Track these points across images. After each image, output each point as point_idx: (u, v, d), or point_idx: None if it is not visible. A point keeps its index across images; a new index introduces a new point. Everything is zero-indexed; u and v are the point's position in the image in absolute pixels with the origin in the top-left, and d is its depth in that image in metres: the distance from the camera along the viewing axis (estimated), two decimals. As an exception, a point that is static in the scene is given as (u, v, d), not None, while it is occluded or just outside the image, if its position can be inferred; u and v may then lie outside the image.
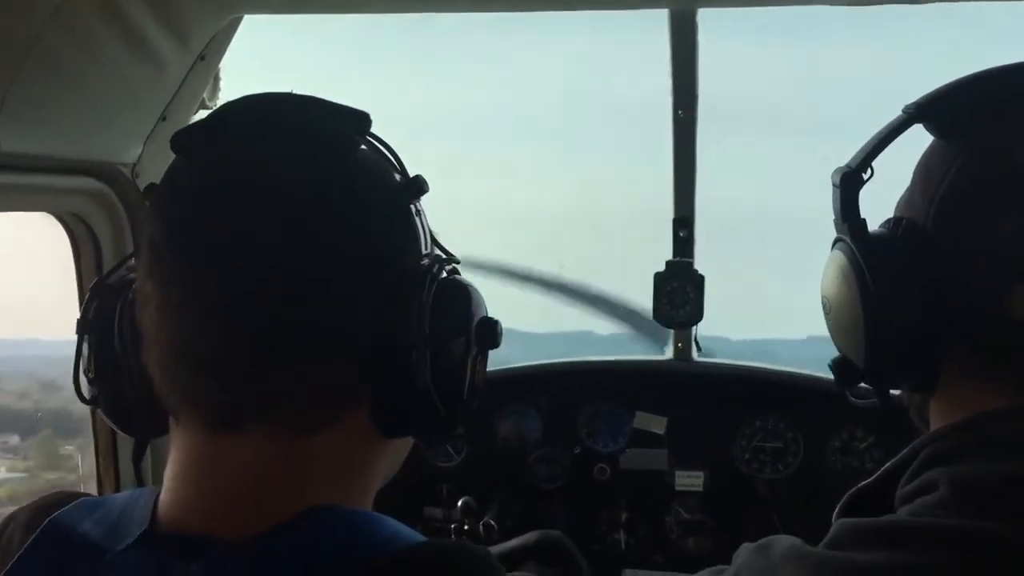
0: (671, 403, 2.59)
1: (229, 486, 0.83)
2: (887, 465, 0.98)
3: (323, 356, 0.83)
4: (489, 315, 0.95)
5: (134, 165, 1.86)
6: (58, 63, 1.45)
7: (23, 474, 2.93)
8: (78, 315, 0.98)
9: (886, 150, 1.00)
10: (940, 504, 0.86)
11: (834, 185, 1.00)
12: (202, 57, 1.79)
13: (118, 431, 1.05)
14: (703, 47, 2.10)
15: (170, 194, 0.86)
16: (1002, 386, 0.92)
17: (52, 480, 2.88)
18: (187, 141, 0.88)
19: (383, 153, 0.91)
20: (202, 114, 1.89)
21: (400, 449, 0.96)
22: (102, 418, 1.01)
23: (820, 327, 1.08)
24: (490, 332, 0.94)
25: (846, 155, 1.03)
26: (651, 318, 2.52)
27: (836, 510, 0.99)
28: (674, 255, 2.50)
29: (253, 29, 1.87)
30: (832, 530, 0.91)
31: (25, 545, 0.86)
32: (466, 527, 2.35)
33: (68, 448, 2.84)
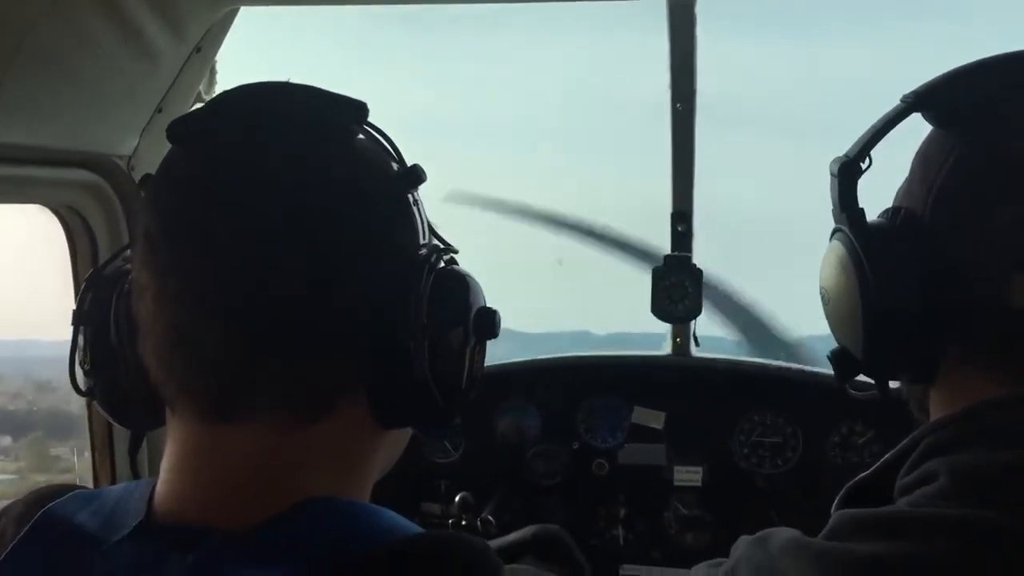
0: (669, 398, 2.58)
1: (226, 477, 0.82)
2: (886, 456, 0.98)
3: (323, 349, 0.82)
4: (487, 305, 0.94)
5: (130, 157, 1.85)
6: (53, 54, 1.44)
7: (13, 476, 2.92)
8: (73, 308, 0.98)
9: (885, 141, 1.00)
10: (940, 494, 0.86)
11: (832, 175, 1.00)
12: (198, 49, 1.79)
13: (114, 423, 1.04)
14: (702, 47, 2.10)
15: (166, 184, 0.86)
16: (1002, 375, 0.92)
17: (41, 482, 2.87)
18: (183, 131, 0.87)
19: (380, 142, 0.90)
20: (198, 107, 1.88)
21: (398, 440, 0.96)
22: (98, 411, 1.01)
23: (818, 327, 1.08)
24: (488, 322, 0.93)
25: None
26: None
27: (835, 502, 0.99)
28: (672, 249, 2.50)
29: (250, 21, 1.86)
30: (831, 521, 0.91)
31: (19, 536, 0.86)
32: (464, 523, 2.35)
33: (60, 449, 2.84)
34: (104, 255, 1.87)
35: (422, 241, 0.90)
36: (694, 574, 1.10)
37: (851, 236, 0.97)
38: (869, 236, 0.96)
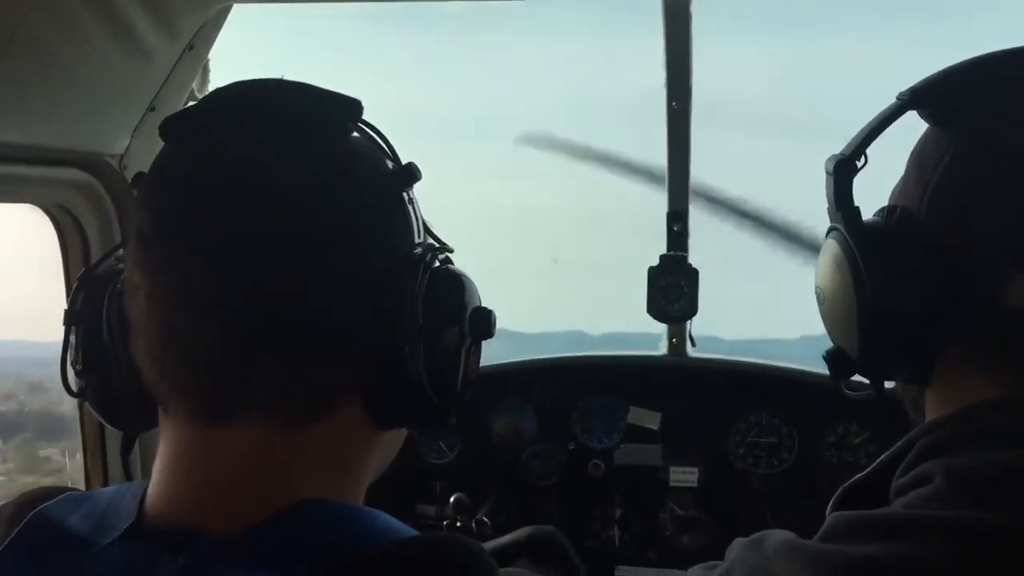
0: (665, 398, 2.58)
1: (218, 478, 0.81)
2: (881, 457, 0.97)
3: (317, 348, 0.81)
4: (483, 304, 0.93)
5: (122, 156, 1.84)
6: (43, 52, 1.43)
7: (1, 477, 2.91)
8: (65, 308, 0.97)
9: (881, 139, 0.99)
10: (936, 495, 0.85)
11: (827, 173, 0.99)
12: (191, 47, 1.78)
13: (106, 425, 1.03)
14: (698, 47, 2.09)
15: (159, 182, 0.85)
16: (999, 375, 0.91)
17: (29, 483, 2.87)
18: (176, 128, 0.86)
19: (375, 140, 0.89)
20: (192, 104, 1.87)
21: (393, 441, 0.95)
22: (90, 412, 1.00)
23: (813, 327, 1.07)
24: (484, 322, 0.93)
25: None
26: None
27: (830, 504, 0.98)
28: (668, 249, 2.49)
29: (243, 19, 1.86)
30: (826, 523, 0.90)
31: (10, 538, 0.85)
32: (459, 524, 2.34)
33: (50, 450, 2.83)
34: (96, 254, 1.86)
35: (417, 240, 0.90)
36: None
37: (846, 235, 0.96)
38: (865, 235, 0.95)
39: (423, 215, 0.93)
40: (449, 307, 0.89)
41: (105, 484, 1.93)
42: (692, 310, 2.48)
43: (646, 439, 2.57)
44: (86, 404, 0.99)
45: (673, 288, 2.47)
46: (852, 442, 2.49)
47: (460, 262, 0.94)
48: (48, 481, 2.81)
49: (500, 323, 0.96)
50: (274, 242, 0.80)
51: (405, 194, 0.89)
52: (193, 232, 0.81)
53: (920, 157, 0.98)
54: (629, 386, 2.62)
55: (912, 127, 1.00)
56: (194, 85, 1.90)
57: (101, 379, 0.94)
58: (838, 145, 1.01)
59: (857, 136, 0.99)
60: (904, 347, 0.95)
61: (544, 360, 2.76)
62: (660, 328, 2.61)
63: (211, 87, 1.95)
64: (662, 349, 2.66)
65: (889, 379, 1.01)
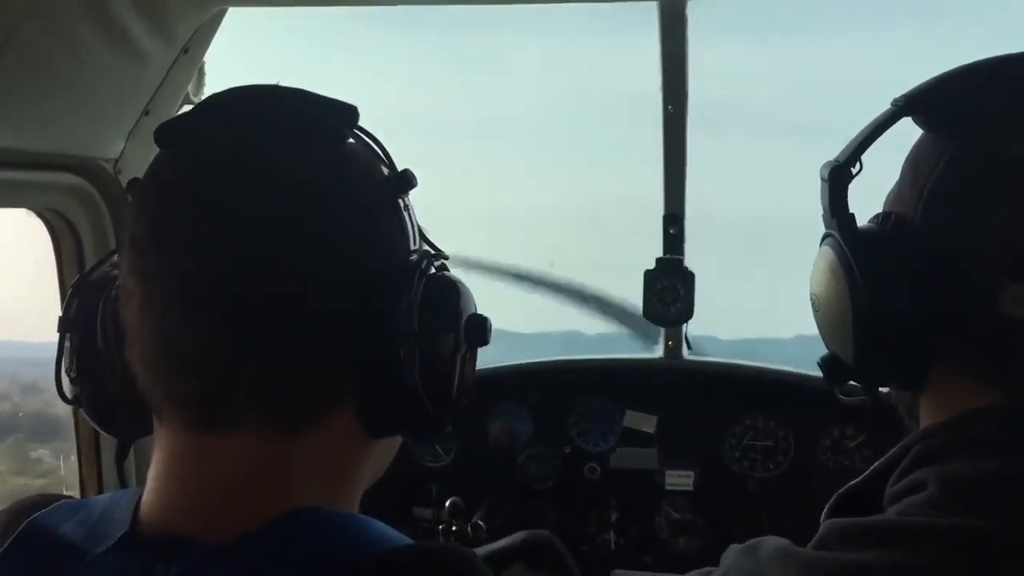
0: (661, 402, 2.58)
1: (212, 486, 0.81)
2: (875, 464, 0.97)
3: (309, 355, 0.81)
4: (478, 312, 0.93)
5: (116, 160, 1.84)
6: (37, 56, 1.42)
7: (-8, 479, 2.91)
8: (60, 313, 0.97)
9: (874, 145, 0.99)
10: (929, 503, 0.85)
11: (822, 180, 0.99)
12: (186, 50, 1.77)
13: (101, 432, 1.03)
14: (694, 49, 2.09)
15: (154, 188, 0.85)
16: (993, 384, 0.91)
17: (20, 484, 2.86)
18: (171, 134, 0.86)
19: (371, 147, 0.89)
20: (187, 108, 1.87)
21: (388, 449, 0.95)
22: (85, 419, 0.99)
23: (808, 327, 1.07)
24: (479, 329, 0.92)
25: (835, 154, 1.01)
26: (642, 316, 2.50)
27: (824, 511, 0.98)
28: (664, 252, 2.49)
29: (238, 22, 1.85)
30: (820, 530, 0.90)
31: (4, 547, 0.84)
32: (454, 527, 2.34)
33: (41, 451, 2.82)
34: (90, 259, 1.86)
35: (413, 247, 0.89)
36: None
37: (842, 242, 0.96)
38: (860, 242, 0.95)
39: (419, 221, 0.93)
40: (444, 314, 0.89)
41: (100, 491, 1.92)
42: (688, 313, 2.49)
43: (642, 443, 2.57)
44: (80, 411, 0.99)
45: (669, 291, 2.47)
46: (848, 446, 2.49)
47: (456, 262, 0.94)
48: (39, 483, 2.80)
49: (497, 323, 0.96)
50: (268, 248, 0.79)
51: (401, 201, 0.89)
52: (187, 238, 0.80)
53: (914, 163, 0.98)
54: (625, 389, 2.62)
55: (906, 132, 1.00)
56: (189, 89, 1.89)
57: (95, 386, 0.94)
58: (837, 146, 1.01)
59: (852, 143, 0.99)
60: (899, 354, 0.95)
61: (540, 363, 2.76)
62: (656, 330, 2.61)
63: (206, 90, 1.95)
64: (658, 352, 2.66)
65: (884, 386, 1.01)
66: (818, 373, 1.03)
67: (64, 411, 2.08)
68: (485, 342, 0.94)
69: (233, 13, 1.81)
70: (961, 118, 0.94)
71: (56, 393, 1.01)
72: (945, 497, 0.84)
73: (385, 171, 0.89)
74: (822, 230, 1.02)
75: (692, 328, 2.61)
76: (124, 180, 1.81)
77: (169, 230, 0.81)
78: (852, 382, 1.00)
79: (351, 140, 0.88)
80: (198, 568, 0.77)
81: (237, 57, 2.03)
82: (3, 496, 2.83)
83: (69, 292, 0.97)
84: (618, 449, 2.58)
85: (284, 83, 0.88)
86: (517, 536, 1.91)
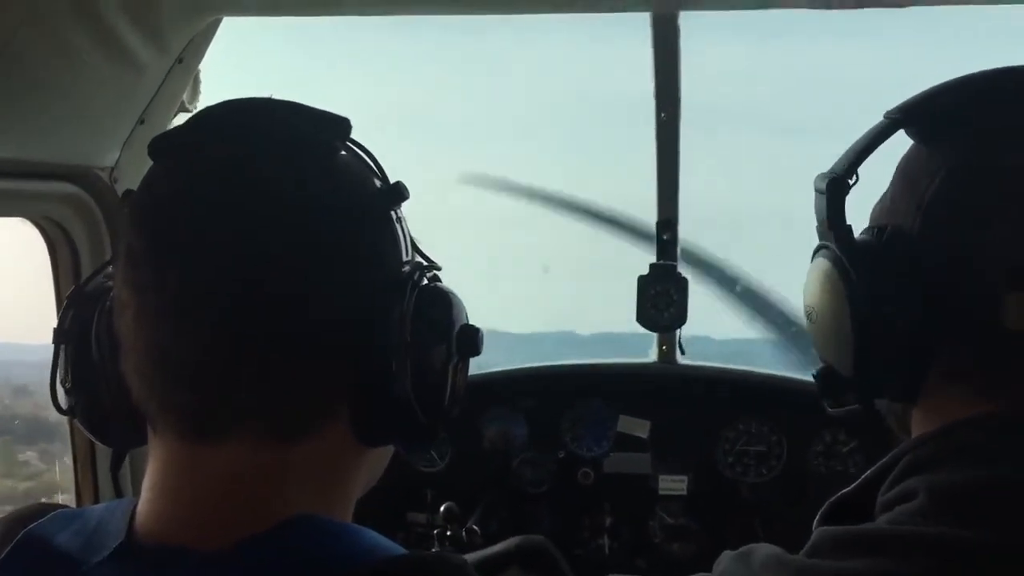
0: (655, 406, 2.59)
1: (207, 496, 0.82)
2: (867, 473, 0.97)
3: (302, 366, 0.82)
4: (470, 322, 0.94)
5: (112, 169, 1.84)
6: (32, 66, 1.43)
7: (-21, 482, 2.90)
8: (55, 322, 0.97)
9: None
10: (919, 512, 0.86)
11: (819, 192, 0.99)
12: (180, 60, 1.78)
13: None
14: (686, 50, 2.11)
15: (148, 200, 0.85)
16: (987, 395, 0.91)
17: (7, 487, 2.85)
18: (165, 147, 0.87)
19: (363, 159, 0.90)
20: (182, 117, 1.88)
21: (381, 458, 0.95)
22: (80, 428, 1.00)
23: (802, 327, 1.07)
24: (471, 340, 0.93)
25: (827, 156, 1.01)
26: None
27: (816, 519, 0.98)
28: (658, 258, 2.50)
29: (233, 31, 1.86)
30: (812, 538, 0.91)
31: (0, 557, 0.85)
32: (449, 532, 2.34)
33: (29, 454, 2.81)
34: (86, 267, 1.86)
35: (405, 258, 0.90)
36: None
37: (840, 254, 0.96)
38: (859, 254, 0.95)
39: (411, 233, 0.94)
40: (436, 325, 0.89)
41: (96, 500, 1.92)
42: (681, 318, 2.50)
43: (635, 447, 2.58)
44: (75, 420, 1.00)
45: (663, 297, 2.48)
46: (840, 451, 2.50)
47: (452, 263, 0.95)
48: (25, 485, 2.79)
49: (491, 324, 0.96)
50: (262, 259, 0.80)
51: (393, 212, 0.90)
52: (182, 251, 0.81)
53: (909, 175, 0.98)
54: (619, 394, 2.63)
55: (889, 142, 1.00)
56: (184, 98, 1.89)
57: (90, 397, 0.94)
58: (832, 146, 1.01)
59: (848, 154, 0.99)
60: (898, 366, 0.94)
61: (534, 368, 2.77)
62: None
63: (202, 99, 1.95)
64: (652, 356, 2.67)
65: (879, 397, 1.01)
66: (810, 378, 1.04)
67: (55, 414, 2.07)
68: (477, 352, 0.94)
69: (227, 23, 1.82)
70: (959, 131, 0.94)
71: (47, 397, 1.01)
72: (934, 506, 0.85)
73: (377, 183, 0.89)
74: (813, 230, 1.02)
75: (686, 329, 2.62)
76: (120, 188, 1.81)
77: (163, 243, 0.82)
78: (848, 394, 1.00)
79: (343, 152, 0.89)
80: None
81: (232, 66, 2.04)
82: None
83: (64, 303, 0.97)
84: (612, 454, 2.59)
85: (278, 92, 0.89)
86: (511, 541, 1.91)
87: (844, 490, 0.99)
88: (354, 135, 0.89)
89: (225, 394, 0.80)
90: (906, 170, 0.99)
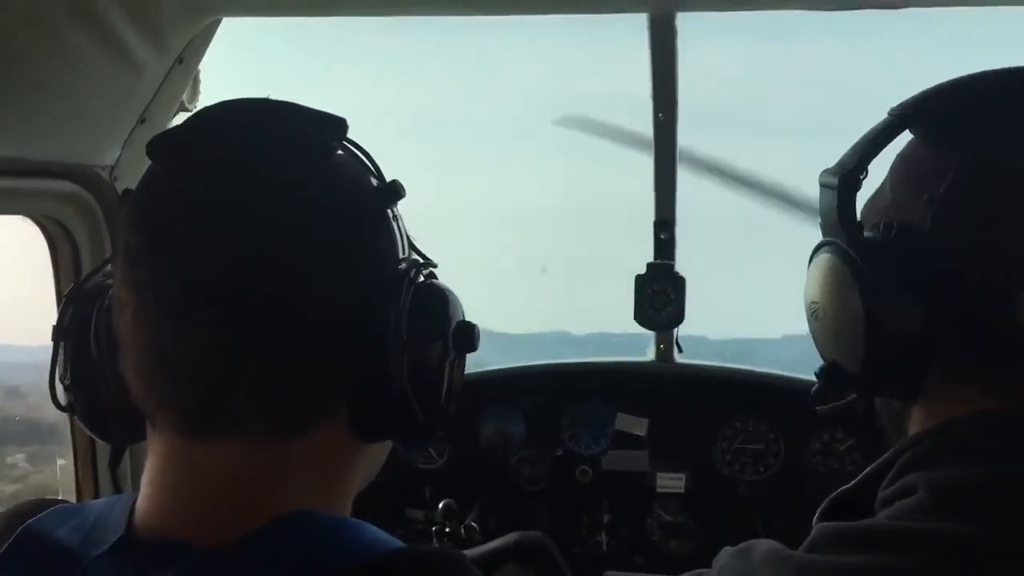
0: (652, 405, 2.59)
1: (206, 492, 0.82)
2: (868, 470, 0.97)
3: (300, 362, 0.83)
4: (466, 319, 0.95)
5: (112, 168, 1.85)
6: (33, 65, 1.44)
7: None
8: (49, 321, 0.98)
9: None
10: (918, 507, 0.86)
11: (828, 187, 0.98)
12: (180, 60, 1.78)
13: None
14: (683, 51, 2.11)
15: (146, 199, 0.86)
16: (990, 392, 0.92)
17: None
18: (163, 146, 0.87)
19: (360, 158, 0.91)
20: (181, 117, 1.88)
21: (378, 454, 0.96)
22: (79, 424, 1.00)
23: (796, 327, 1.07)
24: (467, 336, 0.94)
25: (824, 157, 1.01)
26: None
27: (816, 515, 0.98)
28: (655, 257, 2.51)
29: (232, 32, 1.86)
30: (812, 534, 0.91)
31: (0, 552, 0.86)
32: (447, 529, 2.35)
33: (18, 457, 2.80)
34: (86, 265, 1.87)
35: (402, 255, 0.91)
36: None
37: (851, 250, 0.95)
38: (870, 251, 0.95)
39: (407, 231, 0.94)
40: (433, 321, 0.90)
41: (96, 495, 1.92)
42: (679, 318, 2.50)
43: (633, 445, 2.58)
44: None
45: (660, 296, 2.49)
46: (837, 449, 2.50)
47: (447, 264, 0.96)
48: (11, 488, 2.79)
49: (487, 324, 0.97)
50: (259, 258, 0.81)
51: (390, 211, 0.91)
52: (180, 250, 0.82)
53: (915, 173, 0.97)
54: (616, 392, 2.63)
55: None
56: (184, 98, 1.90)
57: (89, 394, 0.94)
58: (825, 149, 1.01)
59: (856, 151, 0.98)
60: (906, 363, 0.94)
61: (532, 366, 2.77)
62: (646, 330, 2.62)
63: (201, 99, 1.96)
64: (649, 355, 2.67)
65: (884, 394, 1.01)
66: (808, 376, 1.04)
67: (47, 417, 2.08)
68: (473, 348, 0.95)
69: (227, 23, 1.82)
70: (969, 129, 0.94)
71: (39, 398, 1.02)
72: (934, 502, 0.85)
73: (374, 182, 0.90)
74: (807, 232, 1.02)
75: (682, 329, 2.62)
76: (120, 187, 1.82)
77: (162, 242, 0.82)
78: (850, 391, 1.00)
79: (340, 152, 0.89)
80: (194, 572, 0.78)
81: (232, 66, 2.04)
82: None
83: (64, 301, 0.98)
84: (610, 452, 2.59)
85: (277, 92, 0.89)
86: (509, 537, 1.92)
87: (844, 487, 0.99)
88: (353, 135, 0.90)
89: (224, 396, 0.81)
90: (910, 167, 0.98)
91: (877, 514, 0.91)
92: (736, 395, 2.59)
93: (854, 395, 1.01)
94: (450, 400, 0.93)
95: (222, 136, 0.86)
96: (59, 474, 2.03)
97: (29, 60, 1.42)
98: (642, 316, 2.50)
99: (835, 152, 1.01)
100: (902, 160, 1.00)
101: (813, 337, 1.04)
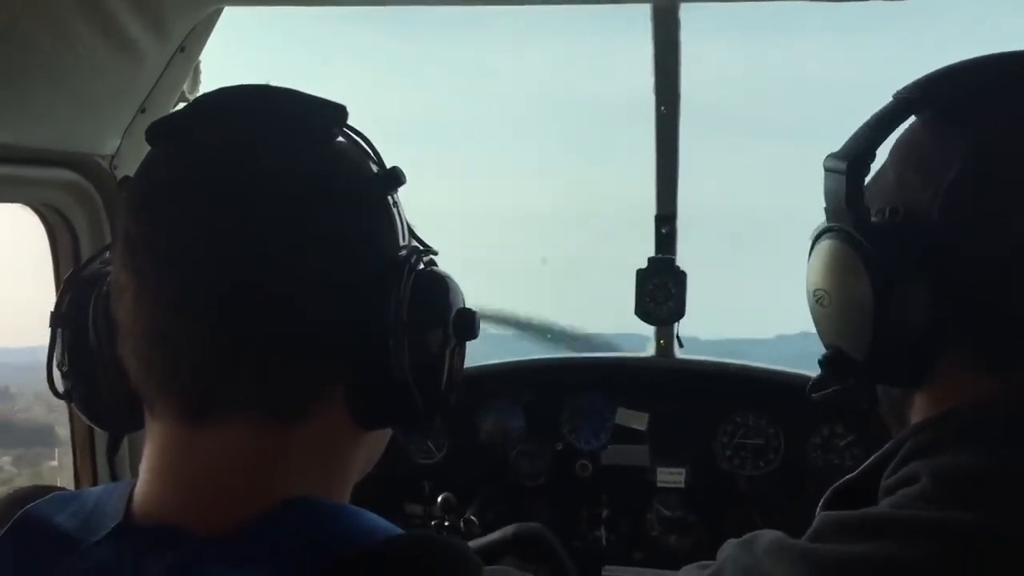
0: (653, 399, 2.59)
1: (204, 478, 0.82)
2: (872, 458, 0.97)
3: (300, 348, 0.82)
4: (467, 306, 0.95)
5: (112, 157, 1.85)
6: (34, 53, 1.43)
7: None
8: (42, 319, 0.98)
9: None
10: (921, 496, 0.86)
11: (835, 172, 0.97)
12: (182, 49, 1.78)
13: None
14: (687, 50, 2.11)
15: (145, 185, 0.86)
16: (996, 379, 0.92)
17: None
18: (162, 132, 0.87)
19: (360, 144, 0.90)
20: (182, 106, 1.88)
21: (378, 441, 0.96)
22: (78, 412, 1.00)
23: (789, 327, 1.06)
24: (468, 323, 0.94)
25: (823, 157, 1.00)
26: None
27: (820, 503, 0.98)
28: (656, 251, 2.51)
29: (234, 21, 1.86)
30: (815, 523, 0.91)
31: None
32: (446, 523, 2.35)
33: (4, 459, 2.79)
34: (86, 254, 1.87)
35: (402, 242, 0.91)
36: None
37: (858, 235, 0.94)
38: (878, 236, 0.94)
39: (407, 217, 0.94)
40: (433, 308, 0.90)
41: (94, 483, 1.93)
42: (680, 312, 2.50)
43: (633, 440, 2.58)
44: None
45: (661, 290, 2.48)
46: (837, 444, 2.50)
47: (447, 262, 0.96)
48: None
49: (485, 324, 0.97)
50: (259, 244, 0.80)
51: (390, 197, 0.90)
52: (179, 234, 0.81)
53: (922, 157, 0.96)
54: (617, 387, 2.63)
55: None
56: (185, 87, 1.90)
57: (87, 381, 0.94)
58: (823, 150, 1.00)
59: (862, 135, 0.97)
60: (915, 349, 0.94)
61: (532, 360, 2.77)
62: (646, 329, 2.62)
63: (202, 89, 1.95)
64: (650, 350, 2.67)
65: (888, 381, 1.01)
66: (807, 371, 1.03)
67: (36, 419, 2.07)
68: (474, 336, 0.95)
69: (229, 12, 1.82)
70: (978, 114, 0.94)
71: (29, 399, 1.02)
72: (936, 490, 0.85)
73: (374, 168, 0.90)
74: (803, 232, 1.02)
75: (683, 329, 2.62)
76: (120, 176, 1.82)
77: (162, 227, 0.82)
78: (856, 378, 0.99)
79: (340, 139, 0.89)
80: (192, 558, 0.78)
81: (233, 56, 2.04)
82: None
83: (61, 287, 0.98)
84: (609, 446, 2.59)
85: (276, 83, 0.89)
86: (508, 529, 1.92)
87: (848, 476, 0.99)
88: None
89: (223, 377, 0.81)
90: (915, 152, 0.98)
91: (880, 503, 0.91)
92: (736, 390, 2.59)
93: (852, 383, 1.01)
94: (450, 388, 0.92)
95: (222, 122, 0.86)
96: (44, 478, 2.02)
97: (30, 47, 1.42)
98: (643, 310, 2.49)
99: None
100: (906, 144, 1.00)
101: (816, 324, 1.03)
